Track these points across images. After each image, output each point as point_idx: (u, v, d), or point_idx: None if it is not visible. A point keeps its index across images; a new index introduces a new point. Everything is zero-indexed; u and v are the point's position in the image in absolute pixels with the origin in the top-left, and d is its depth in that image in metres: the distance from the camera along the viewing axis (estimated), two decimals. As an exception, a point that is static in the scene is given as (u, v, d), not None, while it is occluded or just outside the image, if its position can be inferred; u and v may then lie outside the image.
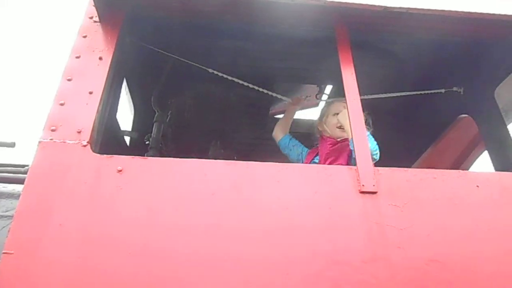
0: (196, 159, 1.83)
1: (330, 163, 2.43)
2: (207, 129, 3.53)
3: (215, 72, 2.68)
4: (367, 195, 1.81)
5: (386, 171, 1.89)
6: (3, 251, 1.54)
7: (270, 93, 2.83)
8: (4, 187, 2.54)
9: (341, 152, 2.50)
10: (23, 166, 2.67)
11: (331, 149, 2.56)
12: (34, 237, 1.58)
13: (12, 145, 2.65)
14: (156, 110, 2.90)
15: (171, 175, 1.79)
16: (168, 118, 2.99)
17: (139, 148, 2.99)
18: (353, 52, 2.23)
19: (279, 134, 2.97)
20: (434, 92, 2.94)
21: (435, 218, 1.80)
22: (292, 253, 1.65)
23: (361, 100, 2.08)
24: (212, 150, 3.16)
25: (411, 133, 2.36)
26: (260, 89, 2.78)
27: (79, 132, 1.82)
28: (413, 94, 2.91)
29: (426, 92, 2.92)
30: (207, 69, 2.67)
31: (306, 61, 2.88)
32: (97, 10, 2.10)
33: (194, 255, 1.62)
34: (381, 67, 2.90)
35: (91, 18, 2.15)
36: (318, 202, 1.78)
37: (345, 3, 2.17)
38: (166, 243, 1.63)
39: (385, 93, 2.76)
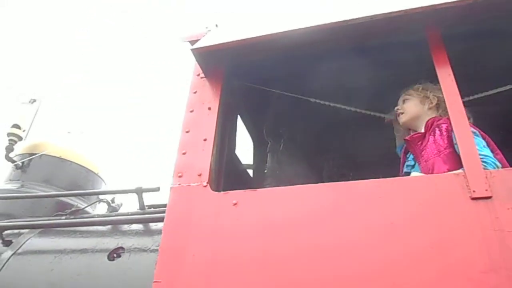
0: (298, 186, 1.99)
1: (433, 164, 2.19)
2: (320, 149, 3.63)
3: (317, 101, 2.80)
4: (480, 201, 1.70)
5: (500, 173, 1.76)
6: (154, 280, 1.91)
7: None
8: (155, 225, 3.07)
9: (431, 147, 2.25)
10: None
11: (420, 146, 2.35)
12: (175, 267, 1.92)
13: (157, 189, 3.17)
14: (269, 141, 3.15)
15: (279, 202, 1.98)
16: (281, 146, 3.21)
17: (261, 178, 3.27)
18: (448, 52, 2.14)
19: (396, 143, 2.90)
20: None
21: None
22: (402, 268, 1.66)
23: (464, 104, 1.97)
24: (326, 169, 3.25)
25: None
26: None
27: (199, 175, 2.14)
28: None
29: None
30: (309, 99, 2.80)
31: (402, 68, 2.79)
32: (201, 68, 2.46)
33: (315, 279, 1.73)
34: (485, 60, 2.64)
35: (198, 75, 2.52)
36: (425, 214, 1.75)
37: (433, 5, 2.10)
38: (284, 267, 1.80)
39: (495, 88, 2.46)
